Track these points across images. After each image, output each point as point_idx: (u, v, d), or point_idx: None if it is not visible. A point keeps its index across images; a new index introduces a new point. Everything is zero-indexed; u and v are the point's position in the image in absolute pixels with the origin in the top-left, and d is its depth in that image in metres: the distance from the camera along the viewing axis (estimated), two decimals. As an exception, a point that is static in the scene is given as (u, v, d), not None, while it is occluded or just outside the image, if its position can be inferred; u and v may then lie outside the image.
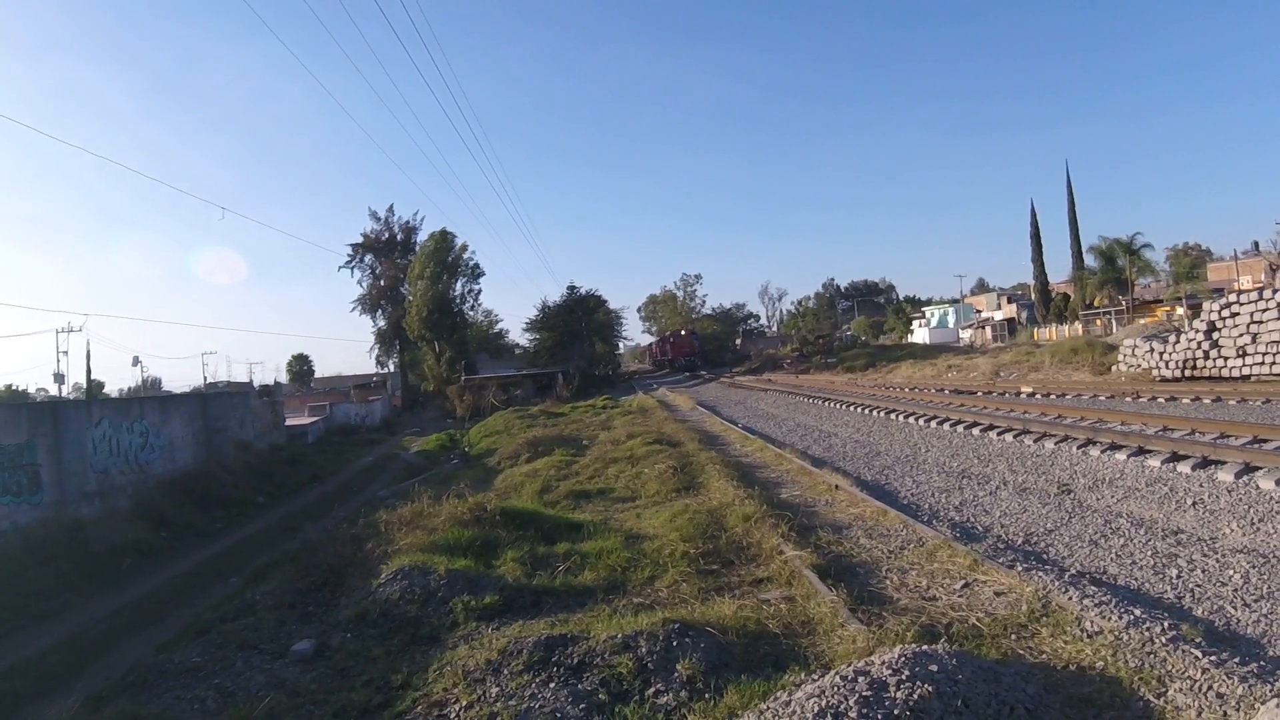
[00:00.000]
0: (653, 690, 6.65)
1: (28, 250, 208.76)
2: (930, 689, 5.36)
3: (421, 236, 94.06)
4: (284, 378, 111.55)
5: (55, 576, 17.38)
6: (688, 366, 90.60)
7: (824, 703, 5.36)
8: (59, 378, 70.09)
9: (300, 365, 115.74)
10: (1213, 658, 6.17)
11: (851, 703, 5.29)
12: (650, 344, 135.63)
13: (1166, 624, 6.91)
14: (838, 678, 5.72)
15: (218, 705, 7.69)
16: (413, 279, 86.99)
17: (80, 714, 7.52)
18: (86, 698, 8.22)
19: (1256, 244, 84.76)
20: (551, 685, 6.86)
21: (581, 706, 6.48)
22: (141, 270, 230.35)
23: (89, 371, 70.88)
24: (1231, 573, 8.75)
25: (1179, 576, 8.89)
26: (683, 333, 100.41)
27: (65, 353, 70.12)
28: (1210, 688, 5.74)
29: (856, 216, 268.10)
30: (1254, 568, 8.81)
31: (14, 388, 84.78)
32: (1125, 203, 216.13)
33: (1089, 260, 71.92)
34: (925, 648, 6.09)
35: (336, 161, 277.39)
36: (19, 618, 15.01)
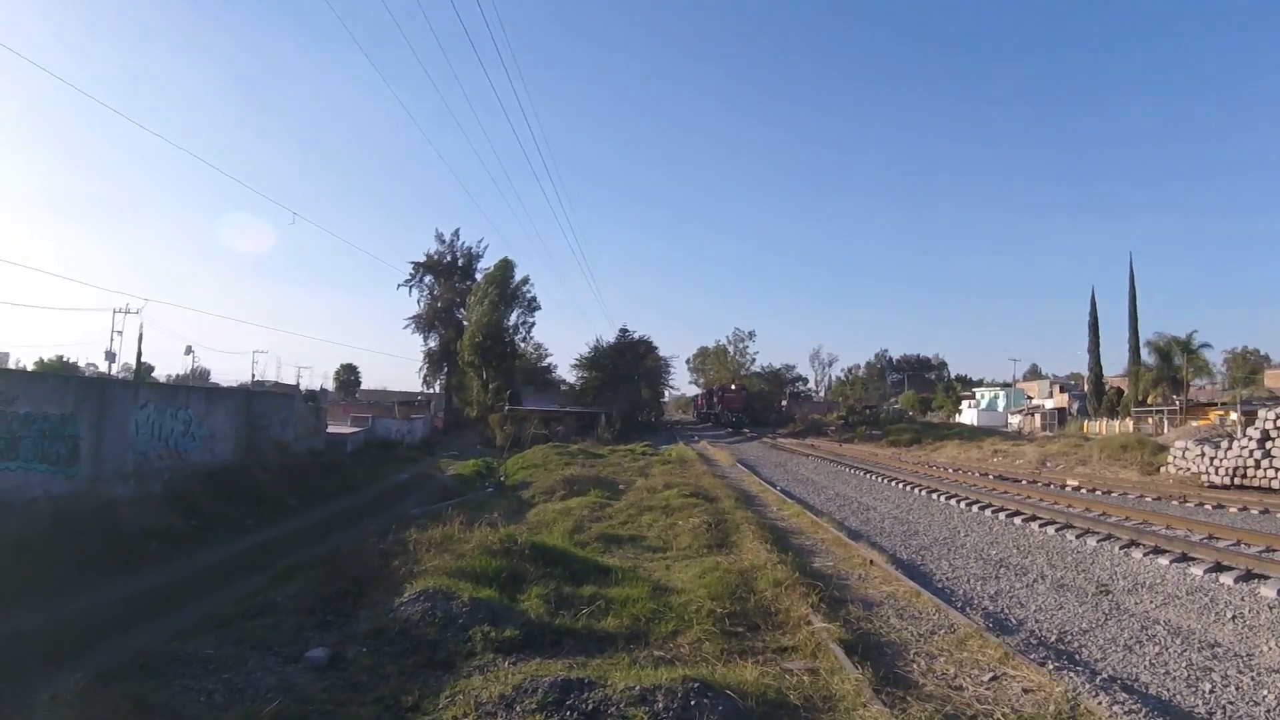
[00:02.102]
0: (666, 749, 6.54)
1: (92, 228, 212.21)
2: (951, 783, 5.22)
3: (483, 264, 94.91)
4: (330, 385, 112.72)
5: (80, 551, 17.46)
6: (734, 422, 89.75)
7: (840, 784, 5.23)
8: (110, 356, 71.05)
9: (347, 375, 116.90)
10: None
11: (869, 788, 5.16)
12: (696, 395, 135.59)
13: (1197, 741, 6.72)
14: (856, 760, 5.59)
15: (225, 700, 7.65)
16: (471, 305, 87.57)
17: (86, 690, 7.48)
18: (95, 674, 8.18)
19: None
20: (564, 729, 6.76)
21: (592, 756, 6.38)
22: (203, 262, 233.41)
23: (139, 354, 71.85)
24: (1266, 693, 8.56)
25: (1212, 691, 8.70)
26: (732, 387, 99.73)
27: (119, 332, 71.23)
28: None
29: (914, 289, 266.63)
30: (1290, 690, 8.57)
31: (65, 359, 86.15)
32: (1185, 301, 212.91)
33: (1145, 356, 71.29)
34: (949, 739, 5.95)
35: (405, 179, 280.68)
36: (41, 586, 15.07)
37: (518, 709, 7.13)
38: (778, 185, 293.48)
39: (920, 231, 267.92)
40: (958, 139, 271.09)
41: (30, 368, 70.87)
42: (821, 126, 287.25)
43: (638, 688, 7.29)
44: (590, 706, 7.10)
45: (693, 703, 7.07)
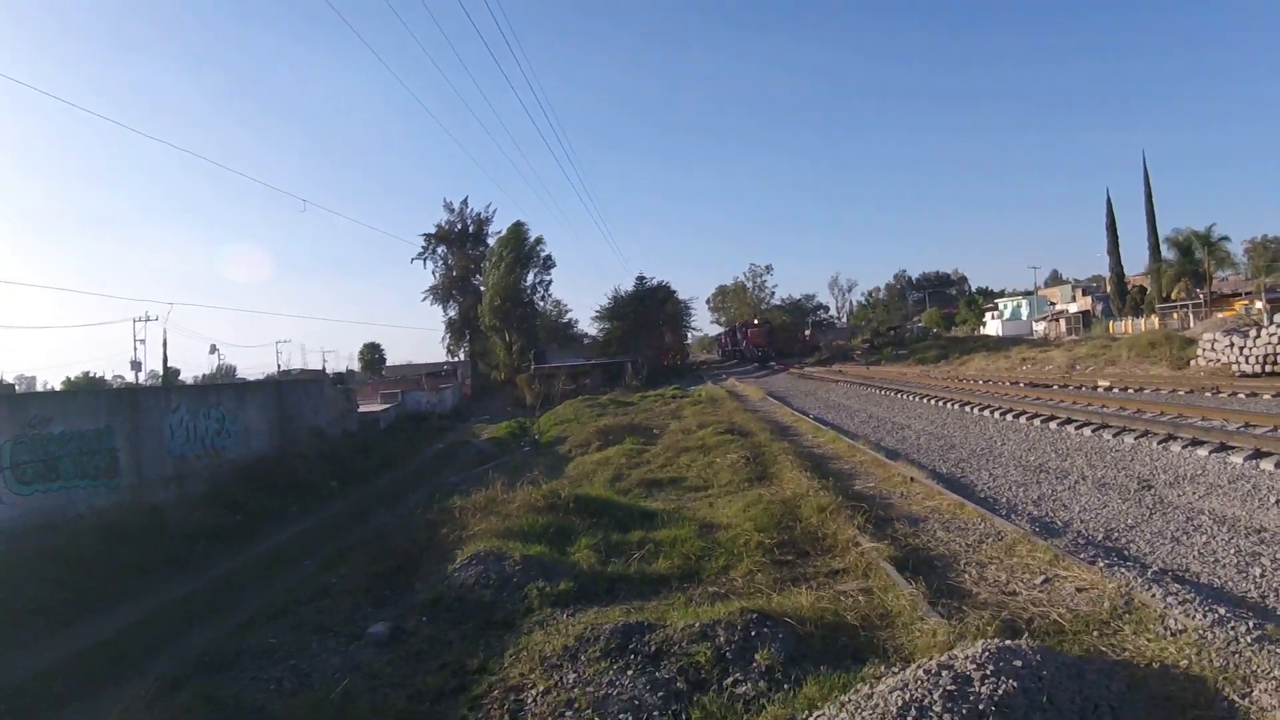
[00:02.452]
0: (731, 680, 6.64)
1: (108, 242, 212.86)
2: (1015, 685, 5.30)
3: (494, 228, 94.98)
4: (356, 366, 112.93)
5: (131, 559, 17.64)
6: (760, 357, 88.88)
7: (907, 696, 5.32)
8: (136, 365, 71.44)
9: (372, 354, 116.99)
10: (1299, 659, 6.05)
11: (935, 697, 5.24)
12: (719, 334, 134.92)
13: (1251, 624, 6.77)
14: (920, 671, 5.67)
15: (294, 687, 7.80)
16: (487, 270, 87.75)
17: (156, 695, 7.63)
18: (162, 679, 8.32)
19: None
20: (629, 673, 6.87)
21: (660, 695, 6.48)
22: (221, 262, 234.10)
23: (165, 359, 72.21)
24: (1317, 573, 8.56)
25: (1263, 576, 8.71)
26: (755, 322, 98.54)
27: (142, 341, 72.14)
28: (1296, 689, 5.63)
29: (928, 208, 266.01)
30: (1340, 569, 8.61)
31: (91, 375, 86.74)
32: (1202, 196, 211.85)
33: (1165, 253, 70.73)
34: (1009, 643, 6.02)
35: (411, 156, 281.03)
36: (95, 600, 15.26)
37: (582, 658, 7.25)
38: (783, 118, 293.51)
39: (931, 151, 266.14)
40: (965, 60, 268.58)
41: (58, 388, 71.51)
42: (825, 57, 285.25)
43: (697, 625, 7.41)
44: (653, 648, 7.21)
45: (753, 633, 7.18)
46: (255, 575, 17.08)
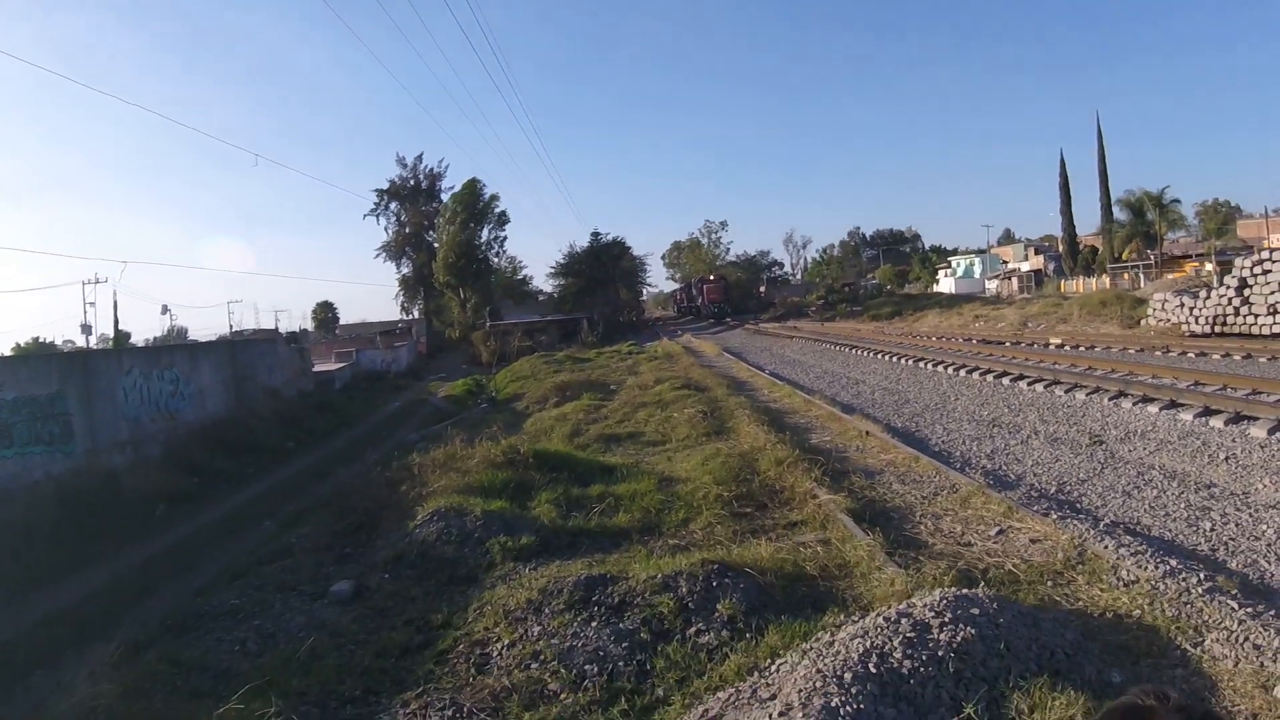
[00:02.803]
0: (694, 630, 6.75)
1: (56, 202, 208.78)
2: (973, 632, 5.42)
3: (447, 183, 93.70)
4: (309, 325, 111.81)
5: (89, 525, 17.43)
6: (716, 313, 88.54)
7: (868, 643, 5.43)
8: (86, 329, 70.09)
9: (325, 312, 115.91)
10: (1249, 610, 6.21)
11: (896, 643, 5.36)
12: (675, 291, 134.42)
13: (1202, 575, 6.94)
14: (880, 619, 5.79)
15: (259, 647, 7.81)
16: (441, 226, 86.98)
17: (121, 660, 7.61)
18: (127, 644, 8.28)
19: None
20: (593, 624, 6.96)
21: (624, 645, 6.57)
22: (170, 221, 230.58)
23: (116, 321, 70.84)
24: (1265, 528, 8.75)
25: (1213, 529, 8.92)
26: (711, 278, 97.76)
27: (92, 304, 70.72)
28: (1247, 639, 5.78)
29: (883, 164, 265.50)
30: (1288, 523, 8.81)
31: (41, 340, 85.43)
32: (1156, 156, 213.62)
33: (1118, 213, 71.31)
34: (966, 592, 6.16)
35: (364, 110, 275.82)
36: (55, 567, 15.09)
37: (546, 611, 7.33)
38: (736, 77, 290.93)
39: (884, 106, 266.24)
40: (916, 21, 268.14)
41: (8, 353, 70.08)
42: (778, 20, 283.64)
43: (659, 576, 7.50)
44: (616, 600, 7.30)
45: (715, 584, 7.29)
46: (215, 537, 16.95)
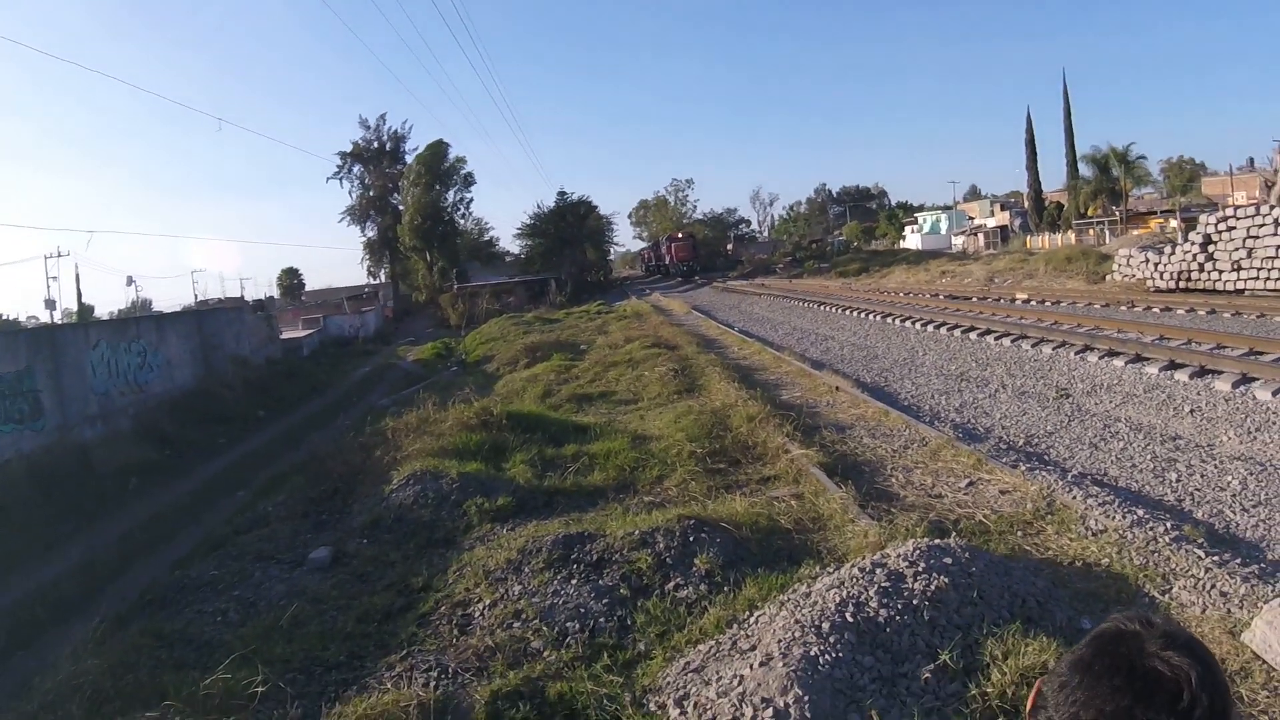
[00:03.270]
0: (673, 584, 6.86)
1: (13, 178, 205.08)
2: (946, 580, 5.54)
3: (411, 145, 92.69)
4: (275, 292, 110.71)
5: (63, 501, 17.34)
6: (685, 272, 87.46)
7: (844, 594, 5.54)
8: (50, 304, 68.95)
9: (291, 279, 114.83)
10: (1215, 558, 6.37)
11: (871, 593, 5.47)
12: (643, 249, 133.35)
13: (1169, 524, 7.10)
14: (855, 570, 5.90)
15: (240, 617, 7.80)
16: (405, 189, 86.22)
17: (104, 634, 7.62)
18: (108, 619, 8.29)
19: (1252, 160, 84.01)
20: (573, 582, 7.05)
21: (604, 601, 6.67)
22: (131, 191, 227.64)
23: (79, 294, 70.03)
24: (1230, 479, 8.91)
25: (1179, 480, 9.07)
26: (679, 236, 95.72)
27: (55, 278, 69.33)
28: (1214, 586, 5.93)
29: (849, 120, 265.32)
30: (1252, 475, 8.96)
31: (4, 317, 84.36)
32: (1121, 115, 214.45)
33: (1084, 170, 71.50)
34: (938, 541, 6.28)
35: (326, 68, 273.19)
36: (30, 544, 15.00)
37: (526, 570, 7.40)
38: (700, 35, 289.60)
39: (850, 59, 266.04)
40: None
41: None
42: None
43: (636, 533, 7.59)
44: (595, 557, 7.39)
45: (691, 539, 7.39)
46: (190, 508, 16.90)
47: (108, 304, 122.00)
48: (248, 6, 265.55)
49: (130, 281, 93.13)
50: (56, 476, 18.48)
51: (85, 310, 70.83)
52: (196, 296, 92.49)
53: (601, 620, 6.44)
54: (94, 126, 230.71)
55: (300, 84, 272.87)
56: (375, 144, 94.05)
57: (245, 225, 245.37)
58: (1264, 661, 5.01)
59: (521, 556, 7.63)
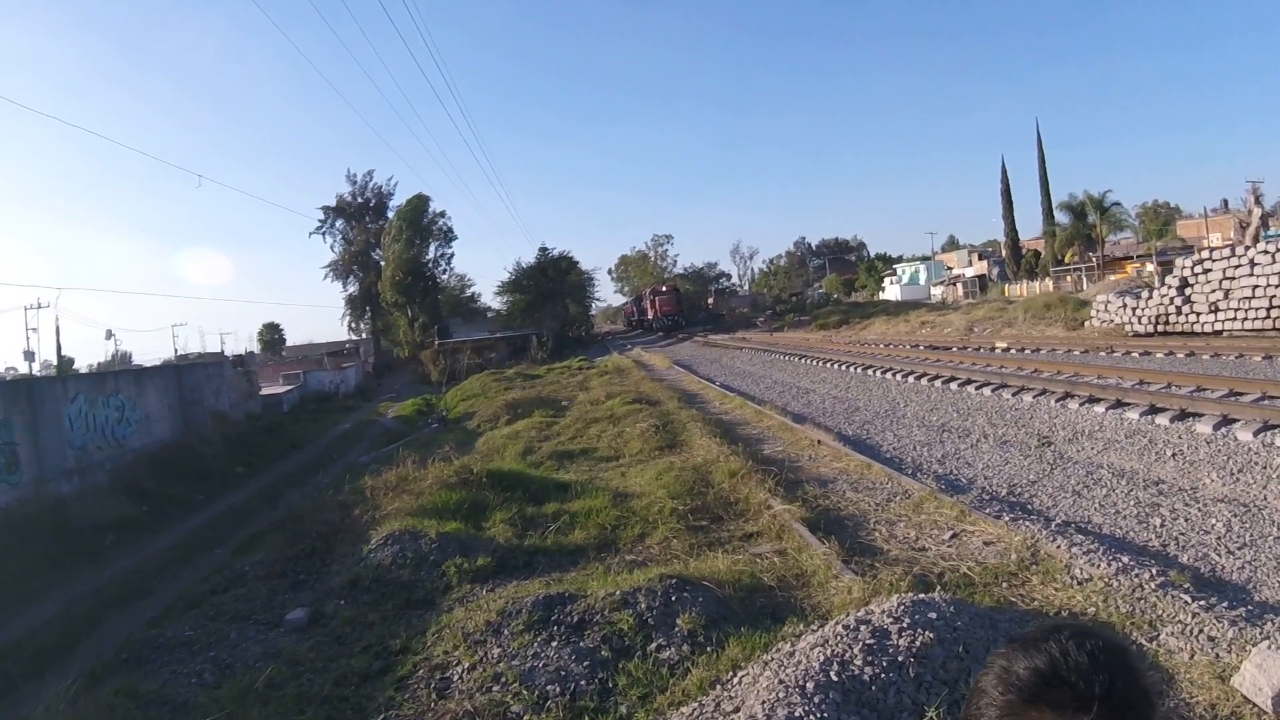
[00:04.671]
0: (655, 645, 6.75)
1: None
2: (932, 636, 5.47)
3: (395, 202, 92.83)
4: (255, 347, 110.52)
5: (38, 555, 17.18)
6: (669, 326, 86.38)
7: (829, 651, 5.46)
8: (29, 355, 68.71)
9: (271, 334, 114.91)
10: (1202, 603, 6.32)
11: (856, 650, 5.39)
12: (624, 304, 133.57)
13: (1154, 570, 7.06)
14: (840, 627, 5.82)
15: (215, 678, 7.66)
16: (387, 244, 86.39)
17: (78, 692, 7.48)
18: (83, 676, 8.16)
19: (1226, 202, 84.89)
20: (554, 644, 6.93)
21: (585, 664, 6.55)
22: (112, 243, 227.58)
23: (59, 347, 69.77)
24: (1214, 521, 8.90)
25: (1163, 525, 9.05)
26: (664, 288, 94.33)
27: (34, 330, 69.01)
28: (1201, 631, 5.88)
29: (827, 174, 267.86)
30: (1235, 516, 8.96)
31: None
32: (1095, 163, 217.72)
33: (1060, 217, 72.17)
34: (923, 596, 6.21)
35: (308, 123, 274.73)
36: (5, 598, 14.81)
37: (506, 633, 7.29)
38: (681, 85, 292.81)
39: (828, 115, 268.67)
40: (857, 30, 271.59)
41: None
42: (717, 31, 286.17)
43: (618, 593, 7.49)
44: (576, 618, 7.28)
45: (673, 598, 7.29)
46: (167, 565, 16.77)
47: (88, 356, 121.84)
48: (235, 57, 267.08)
49: (110, 335, 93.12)
50: (32, 530, 18.32)
51: (65, 363, 70.55)
52: (176, 351, 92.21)
53: (583, 683, 6.33)
54: (73, 175, 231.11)
55: (283, 136, 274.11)
56: (360, 199, 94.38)
57: (226, 279, 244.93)
58: (1254, 705, 4.95)
59: (501, 618, 7.51)
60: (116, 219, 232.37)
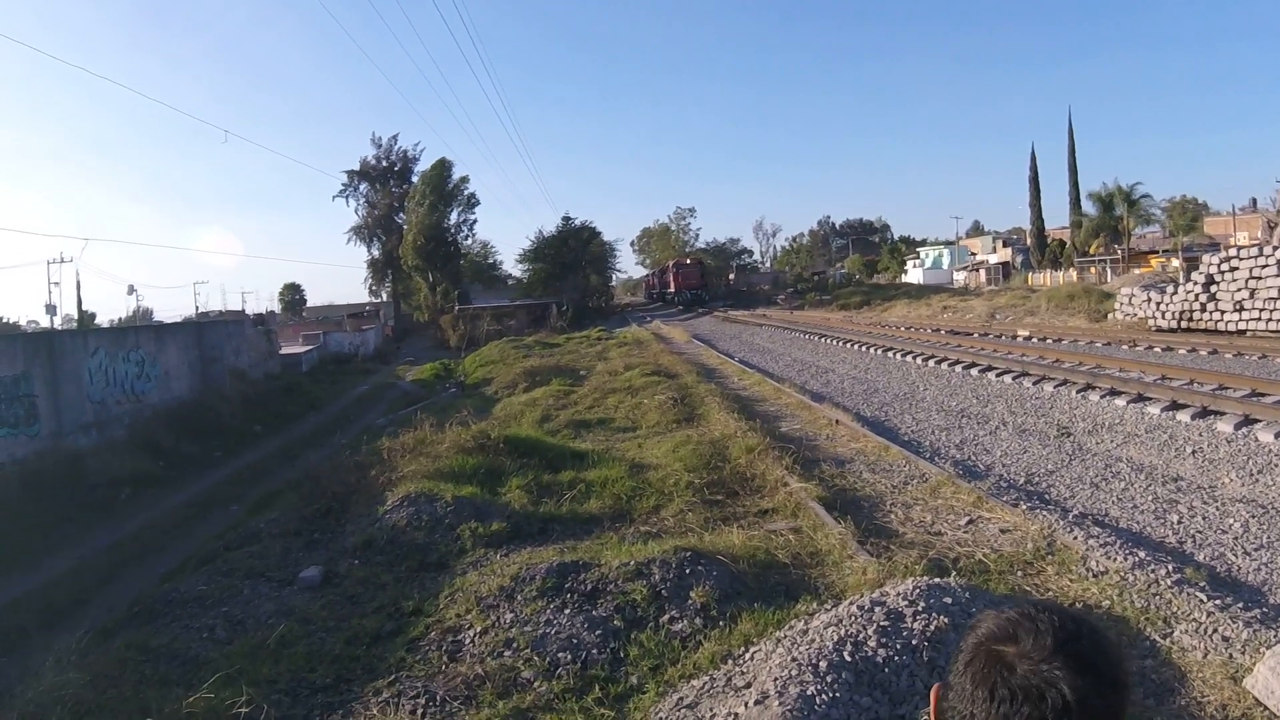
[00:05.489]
0: (667, 617, 6.75)
1: (18, 182, 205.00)
2: (946, 620, 5.45)
3: (420, 167, 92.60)
4: (276, 307, 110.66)
5: (54, 508, 17.28)
6: (692, 300, 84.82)
7: (842, 631, 5.45)
8: (50, 309, 68.62)
9: (292, 294, 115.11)
10: (1217, 602, 6.27)
11: (870, 632, 5.38)
12: (646, 276, 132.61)
13: (1170, 567, 7.02)
14: (854, 607, 5.81)
15: (227, 634, 7.70)
16: (409, 208, 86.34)
17: (89, 645, 7.51)
18: (94, 629, 8.20)
19: (1254, 201, 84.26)
20: (566, 611, 6.94)
21: (598, 633, 6.56)
22: (137, 199, 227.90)
23: (80, 301, 69.87)
24: (1232, 521, 8.84)
25: (1180, 522, 8.99)
26: (688, 261, 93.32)
27: (56, 284, 68.95)
28: (1215, 630, 5.84)
29: (853, 154, 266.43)
30: (1254, 517, 8.89)
31: (4, 320, 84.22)
32: (1125, 156, 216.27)
33: (1087, 207, 71.65)
34: (938, 580, 6.20)
35: (337, 90, 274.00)
36: (20, 551, 14.90)
37: (519, 598, 7.30)
38: (711, 62, 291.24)
39: (857, 95, 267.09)
40: (889, 16, 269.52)
41: (-31, 335, 68.09)
42: (749, 11, 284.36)
43: (632, 563, 7.49)
44: (589, 586, 7.29)
45: (687, 571, 7.29)
46: (181, 521, 16.84)
47: (109, 312, 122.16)
48: (266, 20, 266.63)
49: (131, 290, 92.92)
50: (49, 483, 18.40)
51: (86, 317, 70.69)
52: (198, 308, 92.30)
53: (594, 652, 6.34)
54: (100, 132, 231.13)
55: (311, 100, 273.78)
56: (384, 163, 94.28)
57: (249, 238, 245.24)
58: (1266, 708, 4.92)
59: (515, 584, 7.52)
60: (141, 178, 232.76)
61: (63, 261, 68.18)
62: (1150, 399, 15.14)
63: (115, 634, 8.09)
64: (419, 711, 5.75)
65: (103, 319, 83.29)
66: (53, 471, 19.13)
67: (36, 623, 11.14)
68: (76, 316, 70.47)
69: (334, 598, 8.44)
